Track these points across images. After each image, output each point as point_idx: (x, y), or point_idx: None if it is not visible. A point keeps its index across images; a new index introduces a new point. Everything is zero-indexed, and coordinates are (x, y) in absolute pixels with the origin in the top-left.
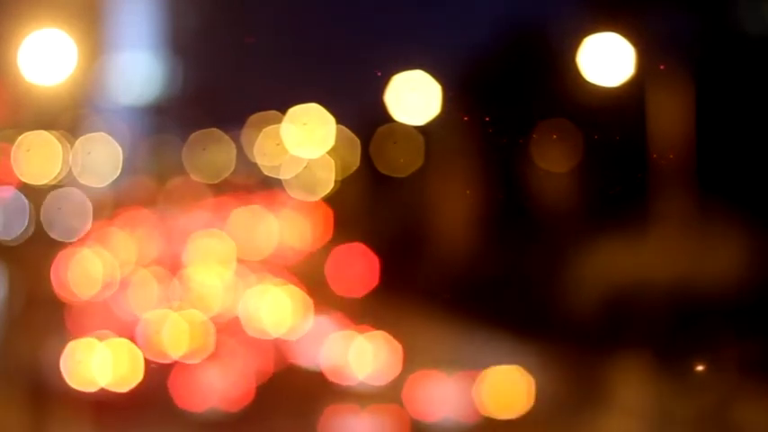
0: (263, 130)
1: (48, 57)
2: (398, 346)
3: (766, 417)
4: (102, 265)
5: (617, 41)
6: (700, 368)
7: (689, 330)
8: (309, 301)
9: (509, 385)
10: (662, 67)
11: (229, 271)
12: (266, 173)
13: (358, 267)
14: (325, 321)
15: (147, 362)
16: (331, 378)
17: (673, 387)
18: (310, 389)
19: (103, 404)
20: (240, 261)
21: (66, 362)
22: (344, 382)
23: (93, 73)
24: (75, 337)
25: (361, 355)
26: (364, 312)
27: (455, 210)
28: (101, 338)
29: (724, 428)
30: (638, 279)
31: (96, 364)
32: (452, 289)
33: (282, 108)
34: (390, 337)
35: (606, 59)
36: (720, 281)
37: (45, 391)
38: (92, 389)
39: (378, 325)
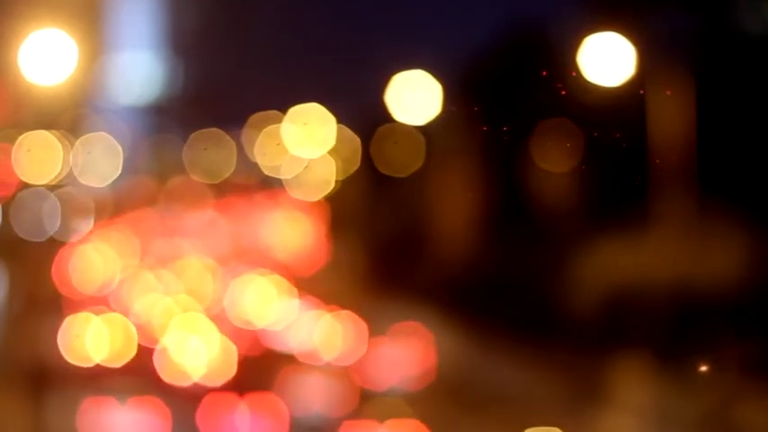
0: (264, 129)
1: (48, 57)
2: (364, 325)
3: (767, 417)
4: (103, 264)
5: (617, 41)
6: (700, 368)
7: (689, 330)
8: (293, 289)
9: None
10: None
11: (225, 268)
12: (266, 173)
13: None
14: (299, 303)
15: (140, 348)
16: (301, 359)
17: (673, 387)
18: (282, 367)
19: (99, 379)
20: (238, 259)
21: (63, 337)
22: (313, 362)
23: (93, 73)
24: (71, 313)
25: (329, 335)
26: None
27: (455, 210)
28: (97, 313)
29: (725, 428)
30: (639, 279)
31: (92, 339)
32: (451, 289)
33: (283, 108)
34: (356, 317)
35: (606, 59)
36: (720, 281)
37: (45, 372)
38: (88, 364)
39: (345, 305)
